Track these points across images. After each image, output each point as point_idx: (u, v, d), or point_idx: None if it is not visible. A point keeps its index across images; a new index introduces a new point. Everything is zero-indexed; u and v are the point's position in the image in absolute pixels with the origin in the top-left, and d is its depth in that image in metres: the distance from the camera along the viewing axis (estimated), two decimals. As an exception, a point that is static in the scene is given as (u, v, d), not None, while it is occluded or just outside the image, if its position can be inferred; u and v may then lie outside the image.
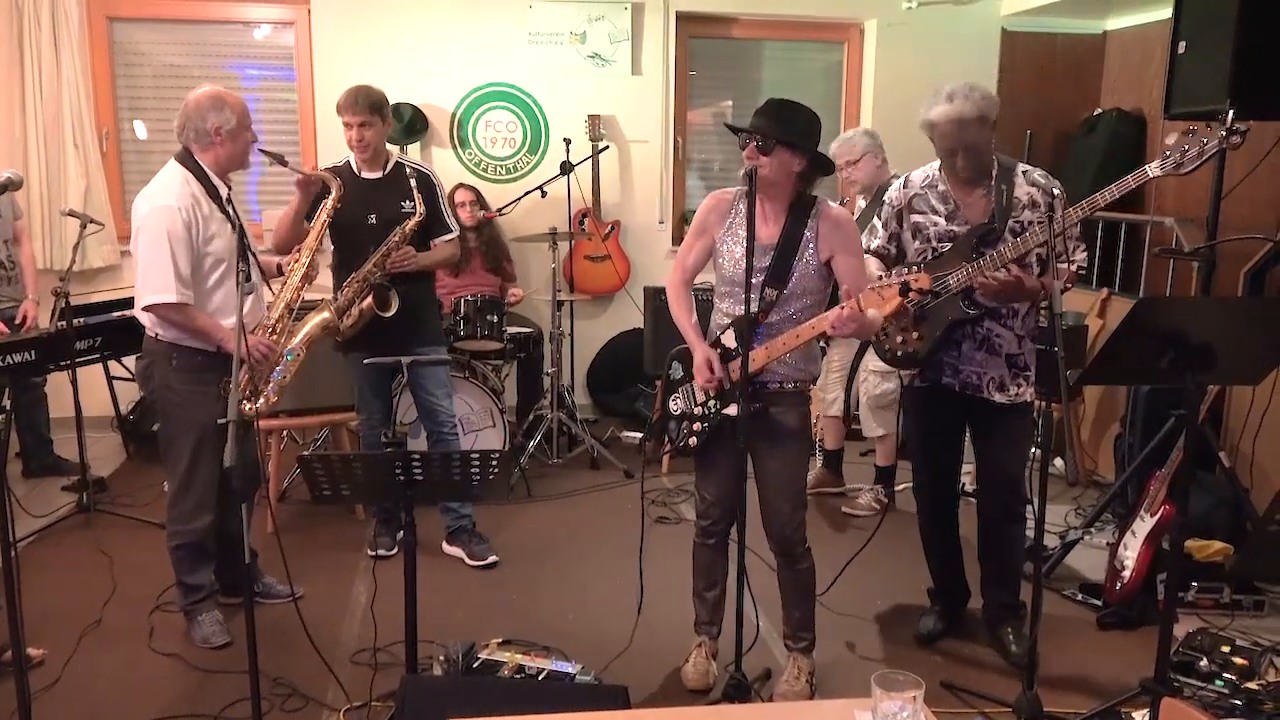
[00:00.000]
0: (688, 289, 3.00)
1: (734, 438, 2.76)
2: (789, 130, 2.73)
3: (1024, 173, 3.04)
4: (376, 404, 3.99)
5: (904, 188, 3.22)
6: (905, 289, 2.49)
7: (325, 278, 3.84)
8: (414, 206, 3.74)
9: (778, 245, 2.77)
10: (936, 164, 3.15)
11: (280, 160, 3.32)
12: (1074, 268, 3.02)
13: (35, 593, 3.49)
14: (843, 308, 2.62)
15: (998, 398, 3.10)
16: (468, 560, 3.99)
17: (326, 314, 3.39)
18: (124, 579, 3.76)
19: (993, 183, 3.03)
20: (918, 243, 3.16)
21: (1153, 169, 2.72)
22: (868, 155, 4.41)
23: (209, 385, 3.15)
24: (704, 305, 3.07)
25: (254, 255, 3.26)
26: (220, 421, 2.39)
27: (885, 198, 3.28)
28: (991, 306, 3.04)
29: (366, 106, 3.67)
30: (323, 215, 3.49)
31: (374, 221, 3.73)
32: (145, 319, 3.17)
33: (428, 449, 4.05)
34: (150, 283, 3.04)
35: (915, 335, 3.04)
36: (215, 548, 3.37)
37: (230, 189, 3.24)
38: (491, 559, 3.99)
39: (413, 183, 3.76)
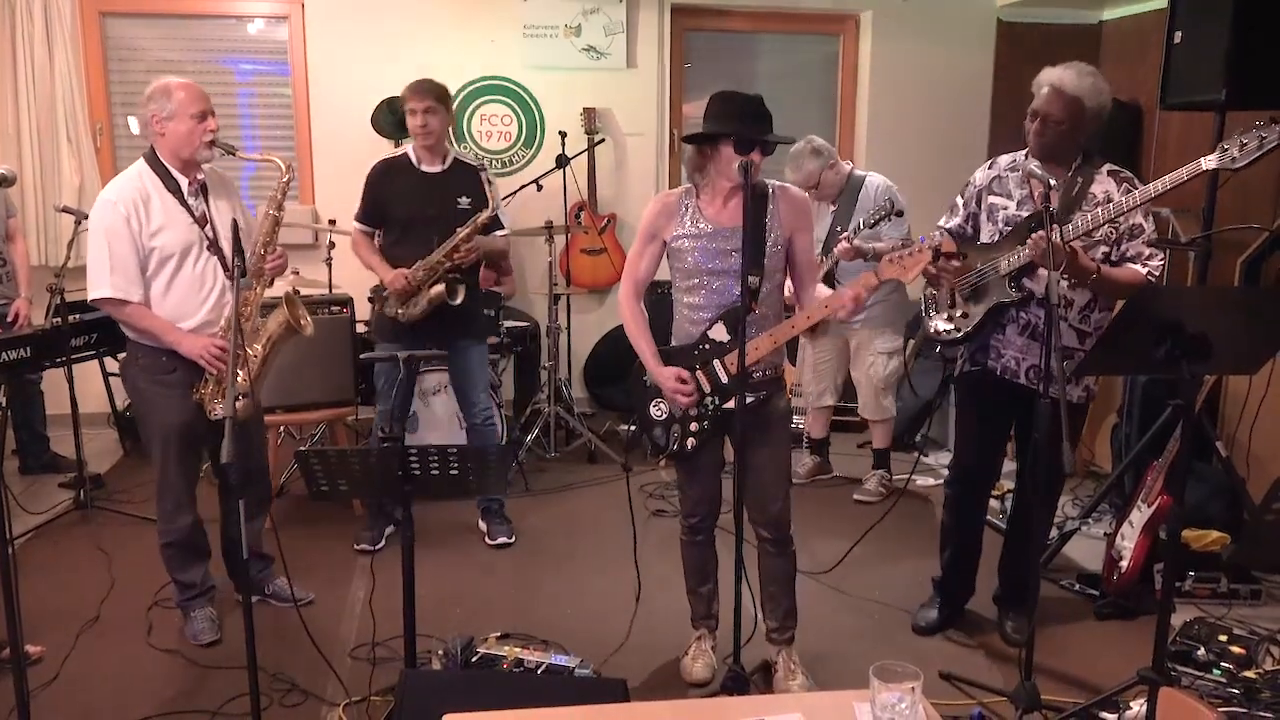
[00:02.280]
0: (641, 300, 2.96)
1: (730, 432, 2.76)
2: (770, 123, 2.75)
3: (1109, 172, 2.99)
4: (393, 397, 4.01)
5: (989, 169, 3.20)
6: (936, 254, 2.61)
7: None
8: (471, 203, 3.83)
9: (746, 230, 2.74)
10: (1025, 151, 3.11)
11: (230, 150, 3.21)
12: (1145, 272, 2.93)
13: (33, 590, 3.49)
14: (856, 288, 2.66)
15: (1041, 388, 3.04)
16: (485, 539, 4.14)
17: (283, 316, 3.23)
18: (122, 575, 3.76)
19: (1070, 174, 3.01)
20: (989, 225, 3.15)
21: (1208, 162, 2.64)
22: (824, 172, 4.48)
23: (172, 386, 3.13)
24: (652, 301, 3.01)
25: (221, 254, 3.16)
26: (216, 418, 2.38)
27: (971, 179, 3.25)
28: (1039, 294, 2.99)
29: (431, 93, 3.79)
30: (270, 206, 3.23)
31: (433, 214, 3.81)
32: None
33: (466, 439, 4.18)
34: (91, 279, 3.08)
35: (961, 314, 3.08)
36: (207, 546, 3.37)
37: (196, 182, 3.14)
38: (502, 540, 4.11)
39: (483, 177, 3.85)
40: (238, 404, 3.10)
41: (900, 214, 4.20)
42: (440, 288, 3.78)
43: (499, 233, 4.03)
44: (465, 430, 4.21)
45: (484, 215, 3.79)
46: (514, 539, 4.14)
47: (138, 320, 3.09)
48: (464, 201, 3.84)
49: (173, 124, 3.06)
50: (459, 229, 3.79)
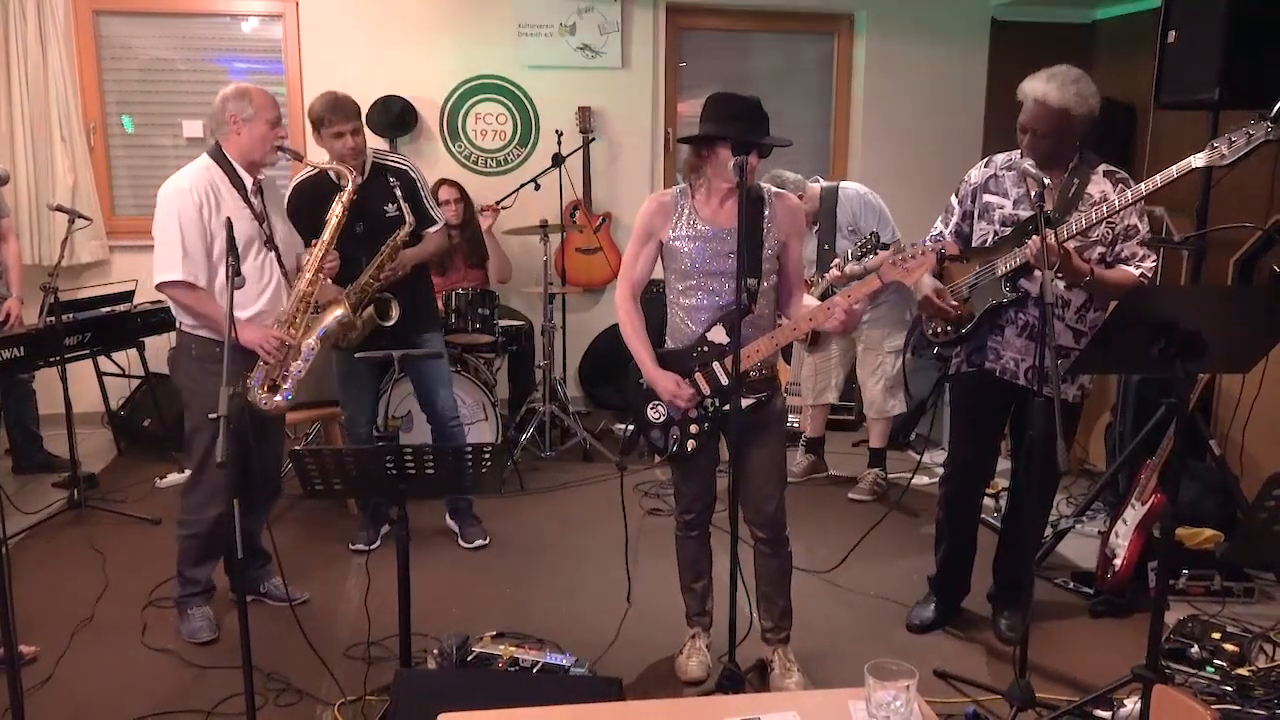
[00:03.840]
0: (638, 302, 2.94)
1: (728, 432, 2.77)
2: (768, 125, 2.75)
3: (1105, 172, 3.00)
4: (362, 398, 3.98)
5: (985, 167, 3.20)
6: (941, 258, 2.69)
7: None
8: (398, 210, 3.72)
9: (741, 231, 2.72)
10: (1020, 151, 3.11)
11: (297, 156, 3.37)
12: (1138, 274, 2.94)
13: (27, 590, 3.49)
14: (849, 297, 2.68)
15: (1038, 386, 3.03)
16: (460, 541, 4.08)
17: (340, 310, 3.37)
18: (116, 575, 3.75)
19: (1066, 175, 3.01)
20: (982, 223, 3.15)
21: (1198, 160, 2.65)
22: (801, 193, 4.46)
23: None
24: (646, 300, 2.98)
25: (277, 250, 3.28)
26: (211, 416, 2.38)
27: (965, 177, 3.25)
28: (1035, 295, 2.99)
29: (355, 113, 3.66)
30: (337, 209, 3.39)
31: (360, 230, 3.67)
32: (171, 305, 3.24)
33: (432, 442, 4.08)
34: (159, 262, 3.13)
35: (956, 315, 3.10)
36: (222, 544, 3.35)
37: (256, 182, 3.24)
38: (479, 542, 4.07)
39: (393, 184, 3.73)
40: (278, 399, 3.18)
41: (885, 246, 4.18)
42: (369, 311, 3.68)
43: (431, 229, 3.89)
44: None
45: (403, 232, 3.68)
46: (489, 540, 4.10)
47: (203, 305, 3.13)
48: (390, 209, 3.72)
49: (249, 126, 3.17)
50: (382, 248, 3.67)
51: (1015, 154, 3.13)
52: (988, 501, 4.09)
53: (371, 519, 4.10)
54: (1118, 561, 3.51)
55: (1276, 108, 2.53)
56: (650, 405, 2.92)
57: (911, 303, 4.69)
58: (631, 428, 2.99)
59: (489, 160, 5.87)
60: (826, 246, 4.51)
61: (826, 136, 6.21)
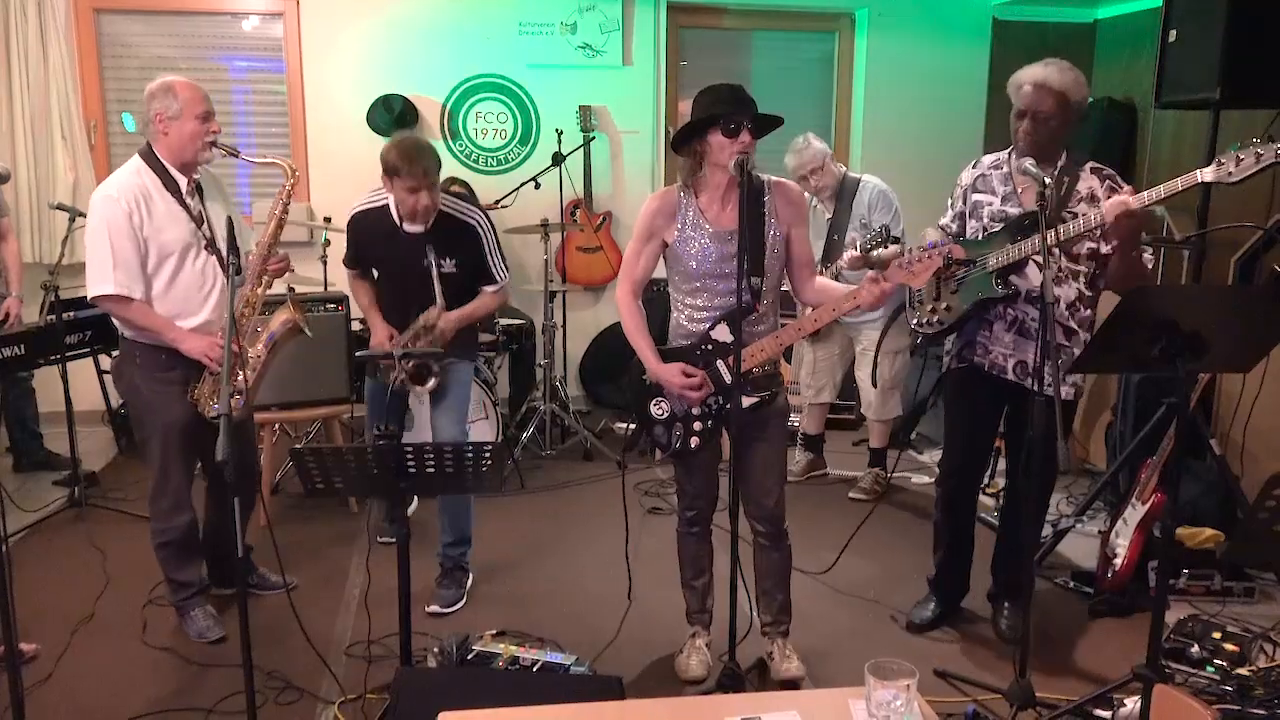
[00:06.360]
0: (639, 299, 2.92)
1: (729, 429, 2.77)
2: (755, 107, 2.72)
3: (1092, 169, 3.01)
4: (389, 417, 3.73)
5: (973, 168, 3.22)
6: (949, 262, 2.73)
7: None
8: (455, 265, 3.44)
9: (743, 232, 2.71)
10: (1009, 150, 3.13)
11: (233, 152, 3.18)
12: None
13: (27, 588, 3.49)
14: (875, 287, 2.66)
15: (1029, 384, 3.03)
16: (433, 602, 3.56)
17: (286, 314, 3.22)
18: (116, 573, 3.76)
19: (1055, 172, 3.01)
20: (973, 221, 3.17)
21: (1205, 174, 2.64)
22: (826, 159, 4.48)
23: (173, 385, 3.10)
24: (646, 300, 2.96)
25: (219, 253, 3.14)
26: (212, 416, 2.39)
27: (958, 180, 3.27)
28: (1026, 289, 3.01)
29: (434, 163, 3.30)
30: (277, 208, 3.20)
31: (415, 283, 3.42)
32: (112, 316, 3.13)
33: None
34: (91, 274, 3.02)
35: (945, 307, 3.11)
36: (201, 544, 3.35)
37: (192, 182, 3.11)
38: (447, 612, 3.54)
39: (452, 237, 3.42)
40: (233, 402, 3.13)
41: (897, 240, 4.16)
42: (412, 368, 3.43)
43: (489, 287, 3.55)
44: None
45: (433, 311, 3.36)
46: (448, 610, 3.53)
47: (139, 318, 3.05)
48: (448, 264, 3.41)
49: (177, 124, 3.03)
50: (421, 320, 3.40)
51: (1003, 155, 3.16)
52: (987, 501, 4.10)
53: (393, 510, 3.98)
54: (1118, 561, 3.51)
55: None
56: (653, 401, 2.92)
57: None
58: (633, 426, 2.98)
59: (489, 159, 5.87)
60: (836, 237, 4.50)
61: (827, 135, 6.20)
